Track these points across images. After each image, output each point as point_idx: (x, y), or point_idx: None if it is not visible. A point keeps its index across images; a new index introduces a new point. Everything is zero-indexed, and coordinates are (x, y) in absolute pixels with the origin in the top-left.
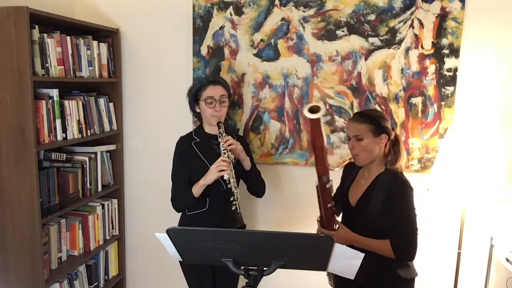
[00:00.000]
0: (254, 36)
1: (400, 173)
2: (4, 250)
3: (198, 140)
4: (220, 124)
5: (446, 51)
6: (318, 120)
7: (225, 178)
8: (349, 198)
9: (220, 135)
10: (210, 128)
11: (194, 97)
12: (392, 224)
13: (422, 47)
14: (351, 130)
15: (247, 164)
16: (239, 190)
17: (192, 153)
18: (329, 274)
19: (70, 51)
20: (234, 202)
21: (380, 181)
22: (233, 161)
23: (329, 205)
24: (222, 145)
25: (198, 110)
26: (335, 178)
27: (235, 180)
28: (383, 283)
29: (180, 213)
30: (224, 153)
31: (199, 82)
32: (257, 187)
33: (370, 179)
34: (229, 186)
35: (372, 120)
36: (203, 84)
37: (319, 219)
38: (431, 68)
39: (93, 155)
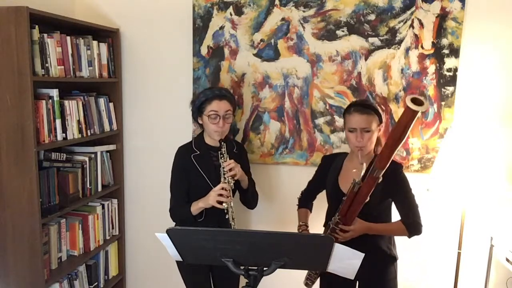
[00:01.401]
0: (254, 36)
1: None
2: (4, 250)
3: (198, 152)
4: (223, 144)
5: (446, 51)
6: (415, 113)
7: (223, 207)
8: (342, 189)
9: (221, 156)
10: (211, 140)
11: (197, 109)
12: (396, 205)
13: (422, 47)
14: (359, 123)
15: (244, 184)
16: (236, 222)
17: (191, 166)
18: (308, 279)
19: (70, 51)
20: None
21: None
22: (233, 187)
23: (367, 200)
24: (223, 167)
25: (200, 122)
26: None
27: (233, 210)
28: (381, 265)
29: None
30: (225, 178)
31: (205, 95)
32: (251, 201)
33: (364, 167)
34: (227, 217)
35: (376, 111)
36: (209, 97)
37: (339, 217)
38: (431, 68)
39: (93, 155)
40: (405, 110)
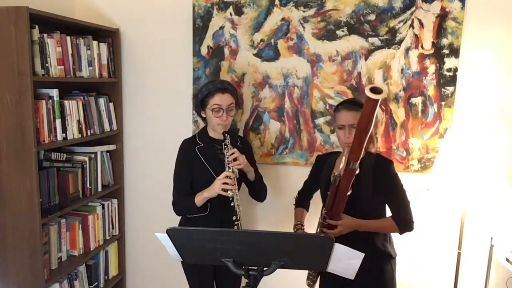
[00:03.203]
0: (254, 36)
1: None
2: (4, 250)
3: (202, 145)
4: (226, 135)
5: (446, 51)
6: (376, 101)
7: (229, 195)
8: None
9: (225, 146)
10: (214, 133)
11: (200, 103)
12: (388, 202)
13: (422, 47)
14: (347, 119)
15: (251, 176)
16: (242, 209)
17: (195, 158)
18: (309, 279)
19: (70, 51)
20: (236, 222)
21: (365, 165)
22: (237, 175)
23: (348, 193)
24: (227, 157)
25: (204, 116)
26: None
27: (238, 197)
28: (377, 263)
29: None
30: (229, 167)
31: (207, 89)
32: (259, 194)
33: (342, 161)
34: (232, 205)
35: None
36: (211, 91)
37: (325, 211)
38: (431, 68)
39: (93, 155)
40: (366, 101)
